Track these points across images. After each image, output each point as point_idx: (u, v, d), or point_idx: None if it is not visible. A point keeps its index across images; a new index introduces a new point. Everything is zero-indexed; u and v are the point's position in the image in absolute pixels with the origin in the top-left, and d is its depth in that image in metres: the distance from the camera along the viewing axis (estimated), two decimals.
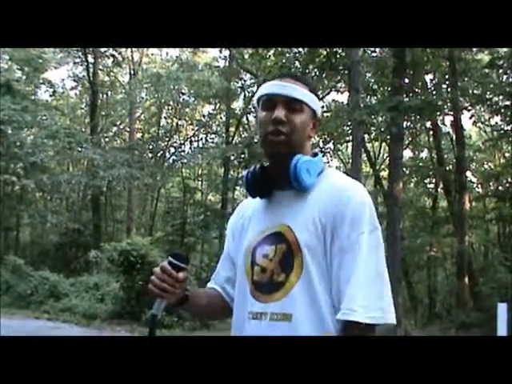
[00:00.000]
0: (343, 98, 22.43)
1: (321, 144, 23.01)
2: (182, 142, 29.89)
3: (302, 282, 1.70)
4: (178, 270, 1.75)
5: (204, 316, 2.23)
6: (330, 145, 23.01)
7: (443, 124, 22.26)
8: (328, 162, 28.22)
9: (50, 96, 28.70)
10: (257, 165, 1.90)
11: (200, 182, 31.33)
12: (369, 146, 23.26)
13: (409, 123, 19.28)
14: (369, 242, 1.68)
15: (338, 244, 1.69)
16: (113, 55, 27.54)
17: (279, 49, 19.58)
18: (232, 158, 23.38)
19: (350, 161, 19.00)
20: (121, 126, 32.11)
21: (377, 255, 1.69)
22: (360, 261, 1.66)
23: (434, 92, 19.43)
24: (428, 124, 21.19)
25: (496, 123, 22.19)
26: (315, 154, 1.86)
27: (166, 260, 1.80)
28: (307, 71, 20.97)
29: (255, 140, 22.92)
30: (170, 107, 29.82)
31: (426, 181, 24.52)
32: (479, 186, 24.98)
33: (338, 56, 18.42)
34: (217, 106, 27.57)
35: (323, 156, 25.67)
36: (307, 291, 1.70)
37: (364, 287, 1.64)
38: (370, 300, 1.64)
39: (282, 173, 1.78)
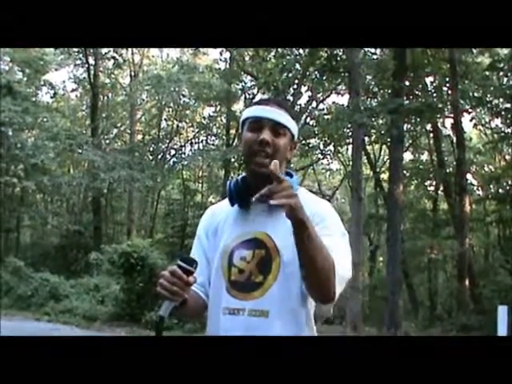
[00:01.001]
0: (344, 100, 22.51)
1: (321, 146, 23.01)
2: (183, 144, 29.90)
3: (278, 283, 1.89)
4: (188, 274, 1.79)
5: (188, 315, 2.26)
6: (331, 147, 22.98)
7: (443, 126, 22.26)
8: (328, 164, 28.33)
9: (51, 98, 28.77)
10: (238, 177, 2.08)
11: (200, 184, 31.33)
12: (369, 148, 23.25)
13: (409, 125, 19.28)
14: (342, 241, 1.91)
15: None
16: (113, 57, 27.53)
17: (280, 51, 19.60)
18: (232, 160, 23.40)
19: (351, 163, 19.01)
20: (121, 128, 32.11)
21: (347, 256, 1.90)
22: (332, 243, 1.84)
23: (435, 94, 19.44)
24: (428, 126, 21.18)
25: (496, 126, 22.22)
26: (289, 174, 2.04)
27: (174, 263, 1.83)
28: (308, 73, 21.00)
29: None
30: (170, 109, 29.82)
31: (426, 183, 24.50)
32: (480, 188, 24.95)
33: (338, 58, 18.44)
34: (217, 108, 27.55)
35: (323, 158, 25.72)
36: (283, 290, 1.89)
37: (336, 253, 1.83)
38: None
39: (262, 187, 1.84)
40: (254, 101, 2.12)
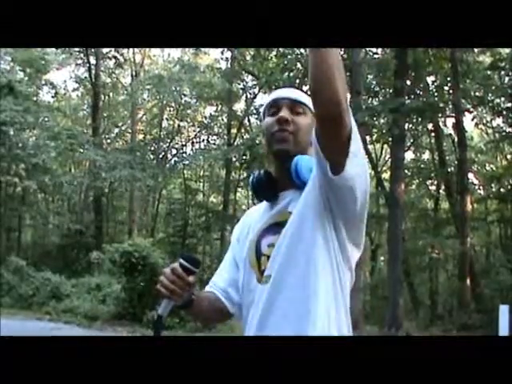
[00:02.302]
0: None
1: None
2: (184, 143, 29.92)
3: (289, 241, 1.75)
4: (189, 273, 1.74)
5: (203, 319, 2.21)
6: None
7: (445, 126, 22.27)
8: None
9: (52, 97, 28.83)
10: (261, 170, 1.93)
11: (202, 184, 31.34)
12: (370, 147, 23.24)
13: (410, 125, 19.30)
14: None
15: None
16: (115, 57, 27.56)
17: (281, 50, 19.60)
18: (234, 159, 23.42)
19: None
20: (122, 128, 32.15)
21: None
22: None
23: (436, 94, 19.45)
24: (430, 126, 21.19)
25: (498, 125, 22.23)
26: None
27: (176, 262, 1.79)
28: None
29: (257, 141, 22.94)
30: (171, 109, 29.85)
31: (427, 182, 24.52)
32: (481, 187, 24.97)
33: None
34: (218, 108, 27.59)
35: None
36: (288, 253, 1.74)
37: None
38: None
39: (285, 174, 1.82)
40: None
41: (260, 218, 1.92)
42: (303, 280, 1.72)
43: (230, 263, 2.01)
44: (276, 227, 1.82)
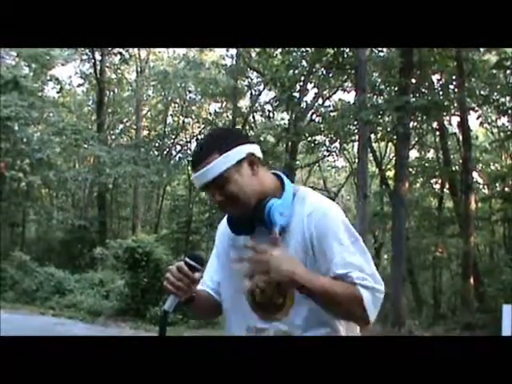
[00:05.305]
0: (350, 97, 22.40)
1: (327, 143, 23.00)
2: (189, 139, 29.89)
3: (297, 304, 1.84)
4: (194, 271, 1.83)
5: (203, 314, 2.31)
6: (337, 144, 22.98)
7: (450, 124, 22.21)
8: (334, 161, 28.30)
9: (57, 93, 28.77)
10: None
11: None
12: (375, 145, 23.21)
13: (415, 123, 19.25)
14: (357, 251, 1.82)
15: (327, 259, 1.80)
16: (120, 53, 27.52)
17: (286, 47, 19.58)
18: None
19: (356, 160, 18.97)
20: (127, 124, 32.15)
21: (365, 258, 1.82)
22: (348, 259, 1.79)
23: (441, 92, 19.39)
24: (434, 124, 21.13)
25: (503, 124, 22.15)
26: (278, 176, 1.96)
27: (181, 260, 1.87)
28: (314, 70, 20.97)
29: (261, 138, 22.93)
30: (176, 105, 29.82)
31: (432, 181, 24.44)
32: (485, 186, 24.89)
33: (345, 55, 18.39)
34: (223, 105, 27.55)
35: (329, 155, 25.69)
36: (303, 311, 1.83)
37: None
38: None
39: (258, 215, 1.87)
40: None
41: (241, 248, 1.92)
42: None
43: (214, 270, 2.10)
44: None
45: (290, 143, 23.17)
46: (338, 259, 1.77)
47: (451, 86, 19.70)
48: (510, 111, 19.51)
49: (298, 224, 1.85)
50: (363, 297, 1.71)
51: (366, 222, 16.08)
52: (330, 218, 1.83)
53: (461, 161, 20.65)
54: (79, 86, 31.28)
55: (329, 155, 25.74)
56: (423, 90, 19.19)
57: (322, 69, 20.51)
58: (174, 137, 29.67)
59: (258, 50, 21.04)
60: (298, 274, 1.70)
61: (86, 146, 24.50)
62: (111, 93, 30.78)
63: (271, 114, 25.33)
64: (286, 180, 1.94)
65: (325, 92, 23.54)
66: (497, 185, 23.23)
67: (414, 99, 16.68)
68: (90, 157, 27.51)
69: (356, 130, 18.40)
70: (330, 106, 23.49)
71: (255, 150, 1.92)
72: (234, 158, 1.86)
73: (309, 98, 23.50)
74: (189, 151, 28.29)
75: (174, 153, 29.29)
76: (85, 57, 28.23)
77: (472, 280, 18.19)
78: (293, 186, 1.93)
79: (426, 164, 23.88)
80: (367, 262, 1.79)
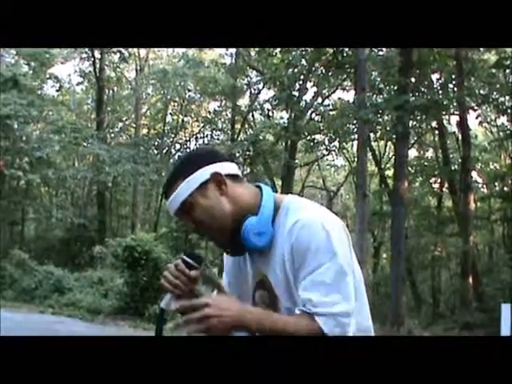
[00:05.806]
0: (349, 96, 22.46)
1: (326, 142, 23.01)
2: (188, 138, 29.94)
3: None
4: (191, 269, 1.82)
5: None
6: (336, 143, 23.00)
7: (449, 124, 22.22)
8: (333, 160, 28.32)
9: (57, 91, 28.78)
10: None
11: None
12: (374, 144, 23.22)
13: (415, 122, 19.26)
14: (333, 268, 1.70)
15: (304, 275, 1.71)
16: (119, 51, 27.52)
17: (286, 47, 19.58)
18: (237, 154, 23.40)
19: (356, 159, 18.99)
20: (127, 122, 32.16)
21: (337, 278, 1.70)
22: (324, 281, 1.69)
23: (441, 91, 19.40)
24: (434, 123, 21.14)
25: (502, 123, 22.16)
26: (258, 187, 1.88)
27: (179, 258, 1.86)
28: (313, 69, 20.98)
29: (260, 137, 22.93)
30: (175, 103, 29.85)
31: (431, 180, 24.47)
32: (484, 186, 24.92)
33: (344, 54, 18.41)
34: (222, 103, 27.57)
35: (328, 154, 25.72)
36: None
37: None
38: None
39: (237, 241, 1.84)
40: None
41: (241, 268, 1.94)
42: None
43: (226, 271, 2.06)
44: (259, 284, 1.89)
45: (289, 142, 23.18)
46: (306, 279, 1.69)
47: (450, 85, 19.71)
48: (509, 110, 19.53)
49: (281, 237, 1.77)
50: (321, 325, 1.65)
51: (365, 221, 16.10)
52: (310, 231, 1.71)
53: (460, 160, 20.66)
54: (78, 84, 31.30)
55: (328, 154, 25.79)
56: (422, 89, 19.20)
57: (322, 68, 20.54)
58: (173, 135, 29.70)
59: (257, 48, 21.05)
60: (245, 320, 1.67)
61: (85, 144, 24.53)
62: (110, 91, 30.80)
63: (270, 113, 25.34)
64: (266, 193, 1.84)
65: (324, 91, 23.55)
66: (496, 184, 23.27)
67: (413, 98, 16.70)
68: (89, 155, 27.53)
69: (355, 129, 18.43)
70: (329, 104, 23.50)
71: (223, 167, 1.83)
72: (197, 181, 1.79)
73: (308, 96, 23.54)
74: (188, 150, 28.30)
75: (173, 151, 29.34)
76: (84, 55, 28.25)
77: (471, 279, 18.22)
78: (277, 197, 1.84)
79: (426, 163, 23.92)
80: (337, 283, 1.68)
